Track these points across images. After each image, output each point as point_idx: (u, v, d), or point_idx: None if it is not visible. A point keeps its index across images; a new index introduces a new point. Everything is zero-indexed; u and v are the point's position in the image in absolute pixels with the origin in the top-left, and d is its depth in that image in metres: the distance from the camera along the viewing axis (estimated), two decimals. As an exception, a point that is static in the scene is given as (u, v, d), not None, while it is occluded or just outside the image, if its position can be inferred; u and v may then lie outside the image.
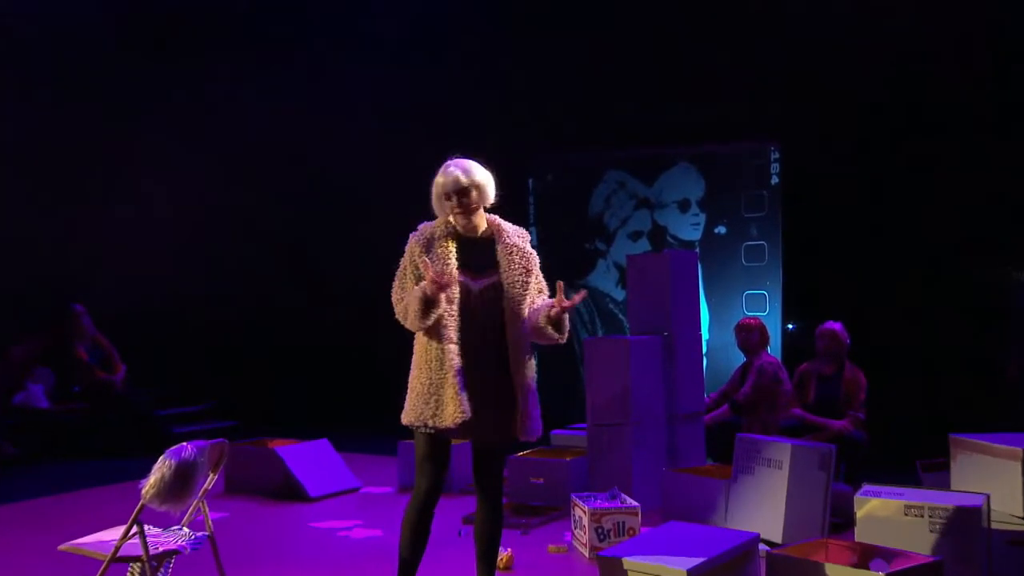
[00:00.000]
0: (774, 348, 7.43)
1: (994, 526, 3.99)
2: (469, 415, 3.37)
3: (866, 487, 4.12)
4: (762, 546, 4.07)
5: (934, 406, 6.98)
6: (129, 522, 3.36)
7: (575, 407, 6.67)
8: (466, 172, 3.46)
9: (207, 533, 3.66)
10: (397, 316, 3.52)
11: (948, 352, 7.27)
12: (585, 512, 4.67)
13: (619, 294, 8.76)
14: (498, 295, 3.47)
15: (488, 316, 3.46)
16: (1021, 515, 4.14)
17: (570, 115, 8.76)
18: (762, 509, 4.72)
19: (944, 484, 4.57)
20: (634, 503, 4.77)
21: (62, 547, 3.56)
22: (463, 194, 3.45)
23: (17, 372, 8.08)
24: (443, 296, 3.36)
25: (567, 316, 3.47)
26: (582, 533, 4.72)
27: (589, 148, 8.95)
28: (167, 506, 3.33)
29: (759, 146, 8.27)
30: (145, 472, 3.33)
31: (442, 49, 8.80)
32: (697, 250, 8.30)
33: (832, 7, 7.47)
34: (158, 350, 8.92)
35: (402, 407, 3.52)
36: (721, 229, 8.45)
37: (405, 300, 3.45)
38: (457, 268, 3.45)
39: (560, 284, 3.46)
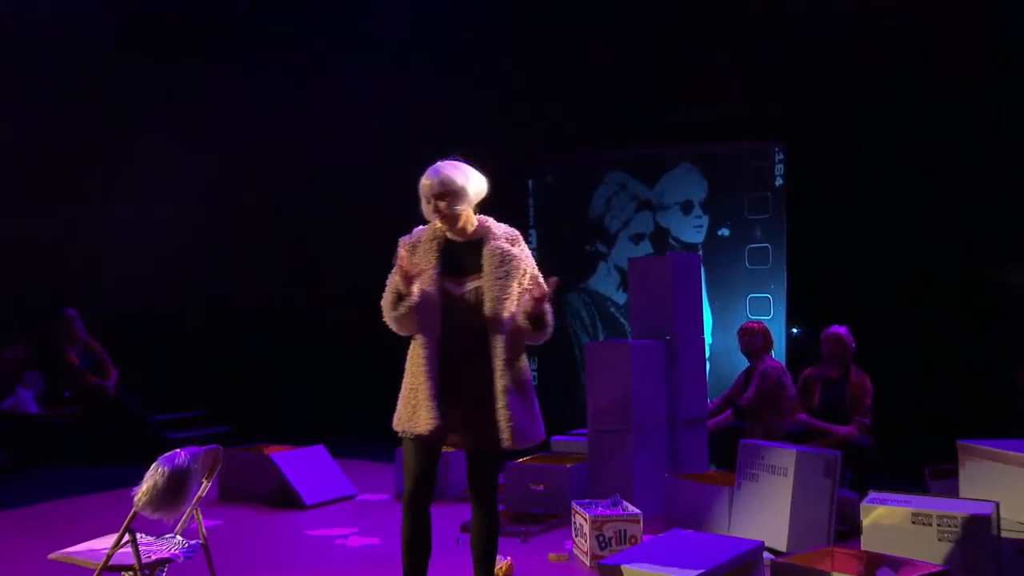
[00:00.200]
0: (778, 352, 7.39)
1: (1004, 535, 3.96)
2: (439, 422, 3.36)
3: (872, 494, 4.14)
4: (766, 554, 4.06)
5: (942, 411, 6.95)
6: (121, 530, 3.34)
7: (576, 412, 6.63)
8: (443, 176, 3.43)
9: (201, 541, 3.65)
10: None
11: (956, 356, 7.24)
12: (586, 520, 4.64)
13: (620, 297, 8.73)
14: (481, 299, 3.42)
15: (471, 321, 3.42)
16: (1031, 523, 4.10)
17: (570, 115, 8.74)
18: (766, 517, 4.69)
19: (952, 492, 4.55)
20: (636, 510, 4.75)
21: (52, 556, 3.56)
22: (440, 198, 3.42)
23: (6, 377, 8.00)
24: (414, 289, 3.36)
25: (547, 312, 3.40)
26: (583, 541, 4.70)
27: (590, 149, 8.92)
28: (160, 514, 3.31)
29: (763, 147, 8.23)
30: (138, 479, 3.32)
31: (442, 49, 8.79)
32: (700, 253, 8.25)
33: (835, 7, 7.46)
34: (153, 354, 8.91)
35: None
36: (724, 231, 8.40)
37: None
38: (439, 272, 3.42)
39: (553, 280, 3.42)
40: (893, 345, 7.24)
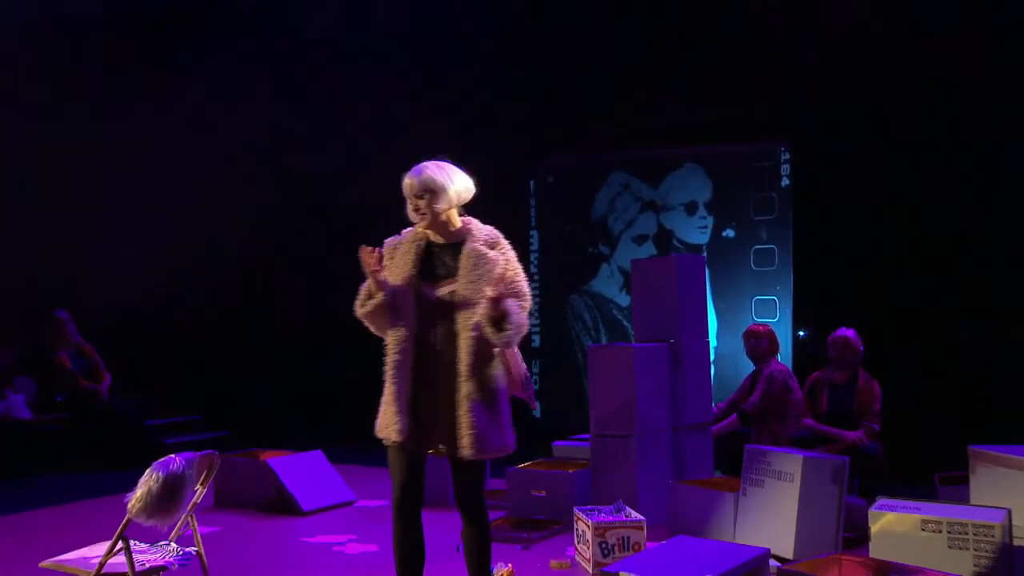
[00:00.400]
0: (784, 356, 7.36)
1: (1016, 542, 3.92)
2: (407, 429, 3.34)
3: (881, 501, 4.18)
4: (772, 562, 4.05)
5: (952, 416, 6.92)
6: (114, 537, 3.32)
7: (578, 417, 6.59)
8: (425, 175, 3.40)
9: (196, 549, 3.64)
10: None
11: (966, 359, 7.19)
12: (589, 526, 4.60)
13: (623, 300, 8.69)
14: (455, 303, 3.36)
15: (445, 325, 3.37)
16: (1044, 531, 4.07)
17: (573, 115, 8.72)
18: (772, 523, 4.66)
19: (963, 498, 4.58)
20: (639, 517, 4.71)
21: (44, 564, 3.56)
22: (419, 196, 3.40)
23: None
24: (379, 285, 3.33)
25: (510, 314, 3.27)
26: (585, 548, 4.66)
27: (592, 149, 8.88)
28: (154, 520, 3.30)
29: (769, 146, 8.19)
30: (132, 485, 3.31)
31: (442, 49, 8.77)
32: (704, 254, 8.22)
33: (844, 6, 7.43)
34: (149, 357, 8.91)
35: None
36: (729, 232, 8.36)
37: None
38: (415, 275, 3.39)
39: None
40: (902, 348, 7.21)
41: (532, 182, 9.18)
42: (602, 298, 8.86)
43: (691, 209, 8.52)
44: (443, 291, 3.38)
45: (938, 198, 7.37)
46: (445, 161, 3.47)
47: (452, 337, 3.34)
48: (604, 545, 4.52)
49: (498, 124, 8.56)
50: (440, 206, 3.38)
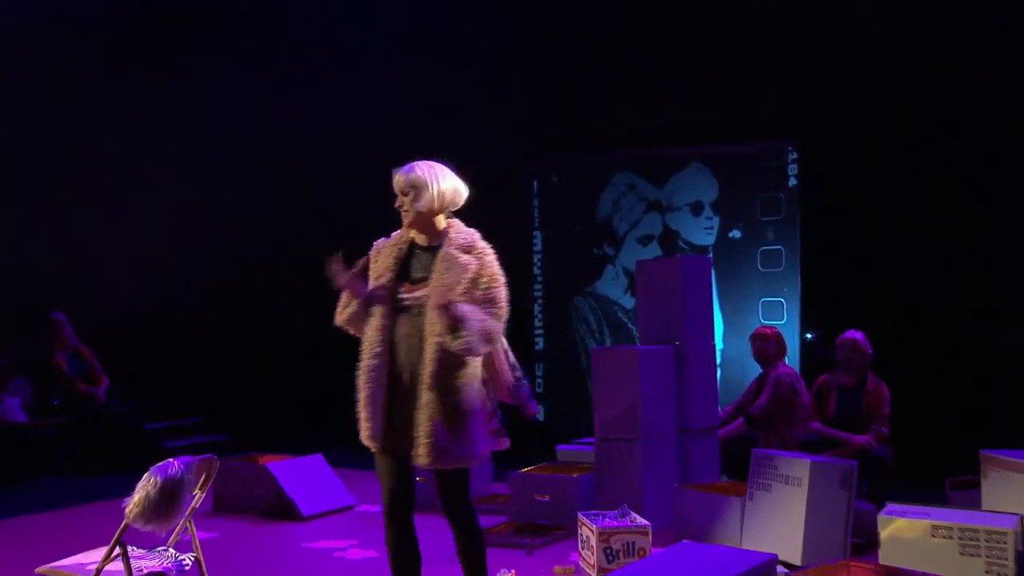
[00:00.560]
0: (792, 358, 7.32)
1: None
2: (374, 434, 3.33)
3: (890, 506, 4.18)
4: (780, 568, 4.03)
5: (963, 420, 6.88)
6: (112, 543, 3.30)
7: (582, 420, 6.55)
8: (412, 173, 3.37)
9: (194, 554, 3.60)
10: None
11: (977, 362, 7.15)
12: (593, 531, 4.58)
13: (628, 302, 8.66)
14: (425, 308, 3.31)
15: (416, 330, 3.31)
16: (1057, 537, 4.01)
17: (576, 114, 8.71)
18: (780, 529, 4.63)
19: (974, 503, 4.56)
20: (644, 522, 4.69)
21: (40, 570, 3.53)
22: (404, 194, 3.38)
23: None
24: (353, 294, 3.37)
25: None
26: (590, 554, 4.64)
27: (596, 149, 8.85)
28: (152, 526, 3.29)
29: (776, 146, 8.16)
30: (129, 489, 3.29)
31: (442, 49, 8.77)
32: (711, 255, 8.21)
33: (850, 4, 7.41)
34: (148, 360, 8.88)
35: None
36: (736, 233, 8.33)
37: None
38: (392, 279, 3.36)
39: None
40: (911, 351, 7.17)
41: (535, 182, 9.15)
42: (606, 300, 8.83)
43: (697, 210, 8.48)
44: (414, 295, 3.33)
45: (946, 197, 7.34)
46: (442, 163, 3.43)
47: (421, 343, 3.29)
48: (609, 550, 4.50)
49: (499, 124, 8.55)
50: (421, 204, 3.34)
